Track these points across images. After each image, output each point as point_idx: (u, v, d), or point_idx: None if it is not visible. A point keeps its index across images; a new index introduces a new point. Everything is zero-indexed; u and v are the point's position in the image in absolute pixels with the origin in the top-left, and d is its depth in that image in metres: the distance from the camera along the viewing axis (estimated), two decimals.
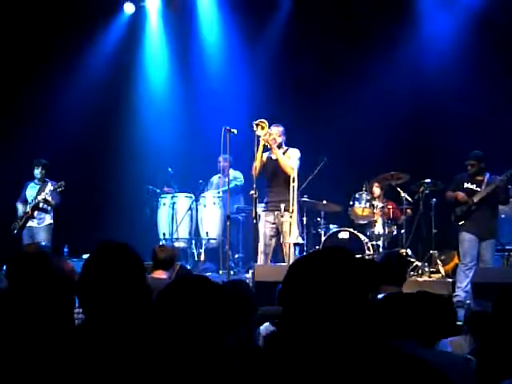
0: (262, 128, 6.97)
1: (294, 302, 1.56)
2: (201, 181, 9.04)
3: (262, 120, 7.00)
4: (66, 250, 8.13)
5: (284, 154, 7.23)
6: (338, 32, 9.47)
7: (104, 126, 9.87)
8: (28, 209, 8.09)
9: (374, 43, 9.27)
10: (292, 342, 1.55)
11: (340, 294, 1.53)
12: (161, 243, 8.19)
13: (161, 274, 4.99)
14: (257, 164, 7.06)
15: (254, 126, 6.95)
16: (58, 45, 9.63)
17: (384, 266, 4.06)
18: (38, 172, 8.17)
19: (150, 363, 1.82)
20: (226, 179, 7.81)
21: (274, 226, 7.19)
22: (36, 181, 8.22)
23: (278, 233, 7.21)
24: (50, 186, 7.99)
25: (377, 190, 8.49)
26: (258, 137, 6.99)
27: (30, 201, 8.14)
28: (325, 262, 1.58)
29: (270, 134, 7.05)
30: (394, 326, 2.63)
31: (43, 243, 7.42)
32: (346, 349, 1.52)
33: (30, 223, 8.14)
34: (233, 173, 8.70)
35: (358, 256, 1.65)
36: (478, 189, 7.09)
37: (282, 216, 7.03)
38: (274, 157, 7.18)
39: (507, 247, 7.87)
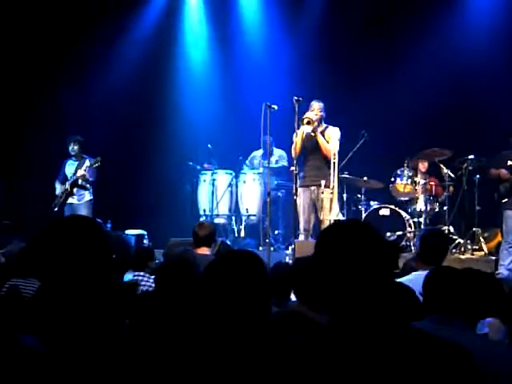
0: (309, 123, 6.98)
1: (323, 277, 1.60)
2: (241, 157, 9.06)
3: (310, 117, 6.98)
4: (109, 225, 8.26)
5: (324, 131, 7.21)
6: (379, 9, 9.31)
7: (144, 103, 9.93)
8: (67, 186, 8.18)
9: (415, 20, 9.13)
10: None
11: (365, 265, 1.56)
12: (200, 220, 8.28)
13: (204, 251, 5.05)
14: (296, 147, 7.06)
15: (303, 124, 6.94)
16: (98, 22, 9.69)
17: (423, 244, 4.01)
18: (71, 149, 8.25)
19: (194, 334, 1.86)
20: (272, 159, 7.81)
21: (312, 201, 7.20)
22: (74, 158, 8.32)
23: (315, 208, 7.21)
24: (87, 163, 8.05)
25: (425, 164, 8.34)
26: (301, 121, 6.97)
27: (69, 178, 8.23)
28: (348, 233, 1.63)
29: (315, 129, 7.04)
30: (442, 302, 2.60)
31: None
32: (367, 324, 1.53)
33: (70, 200, 8.22)
34: (278, 152, 8.67)
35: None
36: None
37: (322, 192, 7.03)
38: (312, 134, 7.15)
39: None
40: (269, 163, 7.75)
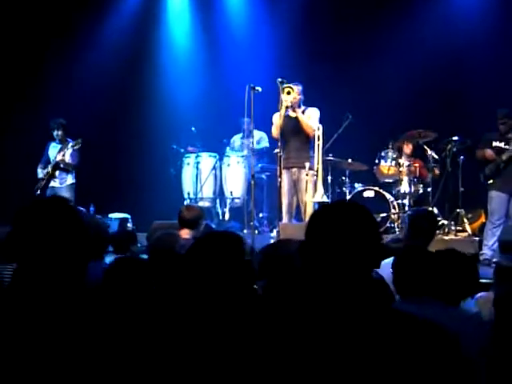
0: (289, 93, 6.95)
1: (314, 253, 1.57)
2: (225, 140, 9.05)
3: (290, 85, 6.96)
4: (92, 209, 8.20)
5: (303, 113, 7.22)
6: None
7: (127, 86, 9.83)
8: (49, 169, 8.08)
9: (399, 2, 9.09)
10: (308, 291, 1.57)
11: (357, 245, 1.54)
12: (186, 203, 8.24)
13: (185, 234, 5.02)
14: (278, 126, 7.05)
15: (281, 88, 6.90)
16: (79, 5, 9.56)
17: (412, 224, 4.02)
18: (56, 134, 8.15)
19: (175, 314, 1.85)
20: (251, 140, 7.78)
21: (294, 183, 7.22)
22: (57, 140, 8.23)
23: (297, 190, 7.23)
24: (69, 145, 7.96)
25: (410, 146, 8.33)
26: (282, 90, 6.97)
27: (51, 161, 8.13)
28: (344, 214, 1.59)
29: (295, 98, 7.01)
30: (416, 282, 2.60)
31: None
32: (355, 304, 1.52)
33: (52, 183, 8.14)
34: (258, 134, 8.63)
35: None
36: (507, 146, 6.97)
37: (307, 174, 7.04)
38: (292, 115, 7.15)
39: None
40: (253, 143, 7.71)
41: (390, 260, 3.01)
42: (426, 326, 1.53)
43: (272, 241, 6.93)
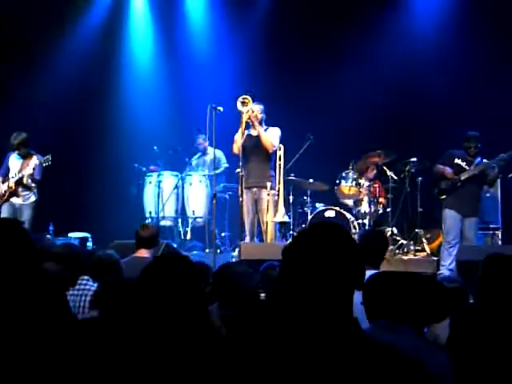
0: (246, 104, 6.98)
1: (294, 275, 1.55)
2: (187, 159, 9.05)
3: (246, 96, 7.00)
4: (51, 228, 8.07)
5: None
6: (324, 9, 9.42)
7: (89, 104, 9.76)
8: (12, 184, 7.55)
9: (359, 21, 9.26)
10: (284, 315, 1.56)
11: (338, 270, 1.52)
12: (145, 222, 8.19)
13: (143, 253, 5.02)
14: (239, 141, 7.07)
15: (239, 103, 6.95)
16: (42, 19, 9.48)
17: (363, 244, 4.04)
18: (18, 152, 7.60)
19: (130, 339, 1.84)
20: (206, 158, 7.82)
21: (255, 203, 7.24)
22: (20, 154, 7.65)
23: (258, 210, 7.26)
24: (35, 160, 7.45)
25: (374, 169, 8.44)
26: (242, 113, 7.01)
27: (13, 174, 7.58)
28: (326, 238, 1.57)
29: (252, 110, 7.06)
30: (386, 308, 2.61)
31: (25, 221, 7.24)
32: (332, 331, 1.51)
33: (14, 200, 7.59)
34: (217, 153, 8.64)
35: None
36: (467, 167, 7.08)
37: (268, 194, 7.07)
38: (253, 133, 7.20)
39: (491, 226, 7.92)
40: (215, 161, 7.73)
41: None
42: (402, 360, 1.51)
43: (233, 260, 6.94)
